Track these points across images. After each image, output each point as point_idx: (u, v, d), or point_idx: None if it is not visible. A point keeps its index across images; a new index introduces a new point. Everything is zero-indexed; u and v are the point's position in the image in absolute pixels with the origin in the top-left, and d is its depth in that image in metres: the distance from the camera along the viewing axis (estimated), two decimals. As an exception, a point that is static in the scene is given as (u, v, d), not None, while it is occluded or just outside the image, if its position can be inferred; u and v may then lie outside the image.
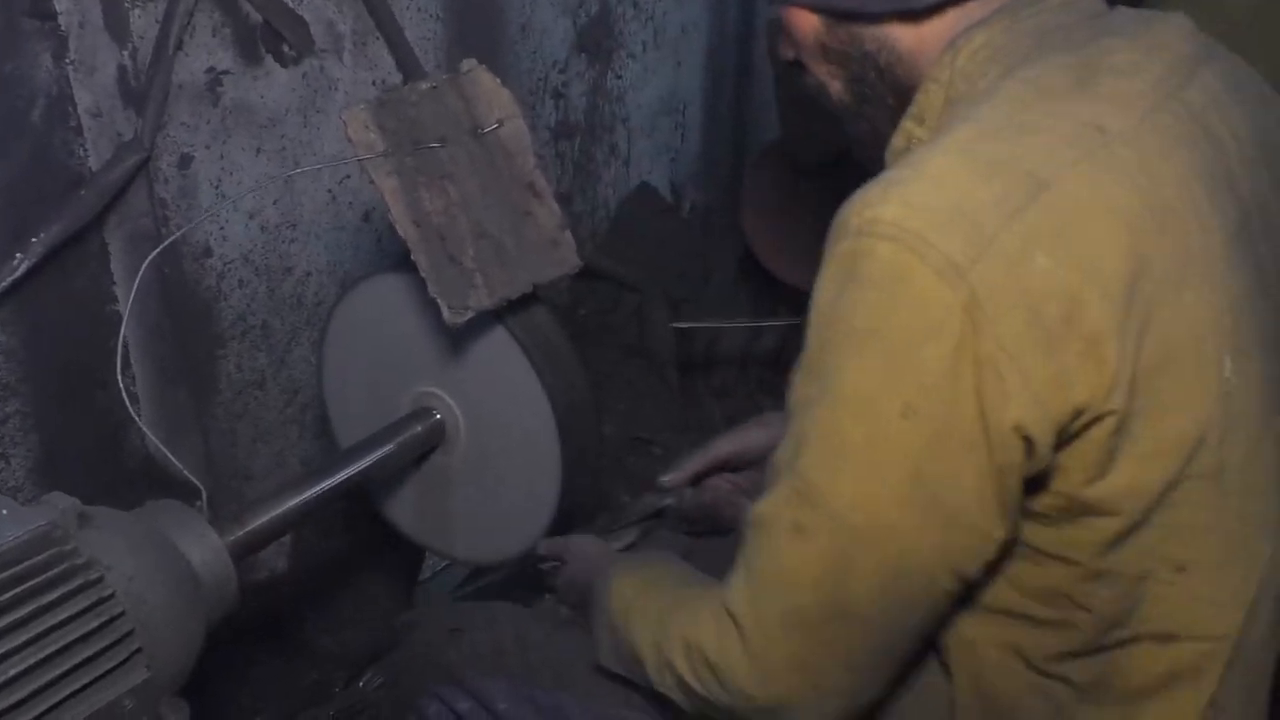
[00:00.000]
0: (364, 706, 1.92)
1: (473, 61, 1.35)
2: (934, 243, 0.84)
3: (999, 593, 0.98)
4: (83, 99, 1.67)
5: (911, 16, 1.03)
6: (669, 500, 1.53)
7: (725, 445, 1.47)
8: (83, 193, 1.67)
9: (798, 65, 1.14)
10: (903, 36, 1.04)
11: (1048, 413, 0.85)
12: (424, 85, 1.32)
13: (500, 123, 1.33)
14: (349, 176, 2.03)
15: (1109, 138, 0.90)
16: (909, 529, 0.89)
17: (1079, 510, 0.92)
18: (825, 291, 0.89)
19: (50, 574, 1.06)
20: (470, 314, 1.31)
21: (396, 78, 2.05)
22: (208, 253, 1.87)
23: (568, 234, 1.39)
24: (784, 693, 0.97)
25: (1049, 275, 0.84)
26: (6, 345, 1.67)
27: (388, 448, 1.48)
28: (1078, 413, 0.86)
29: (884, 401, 0.86)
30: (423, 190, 1.29)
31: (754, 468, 1.45)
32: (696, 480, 1.50)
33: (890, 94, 1.07)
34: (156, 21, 1.69)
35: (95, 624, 1.07)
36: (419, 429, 1.52)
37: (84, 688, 1.05)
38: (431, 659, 1.34)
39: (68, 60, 1.64)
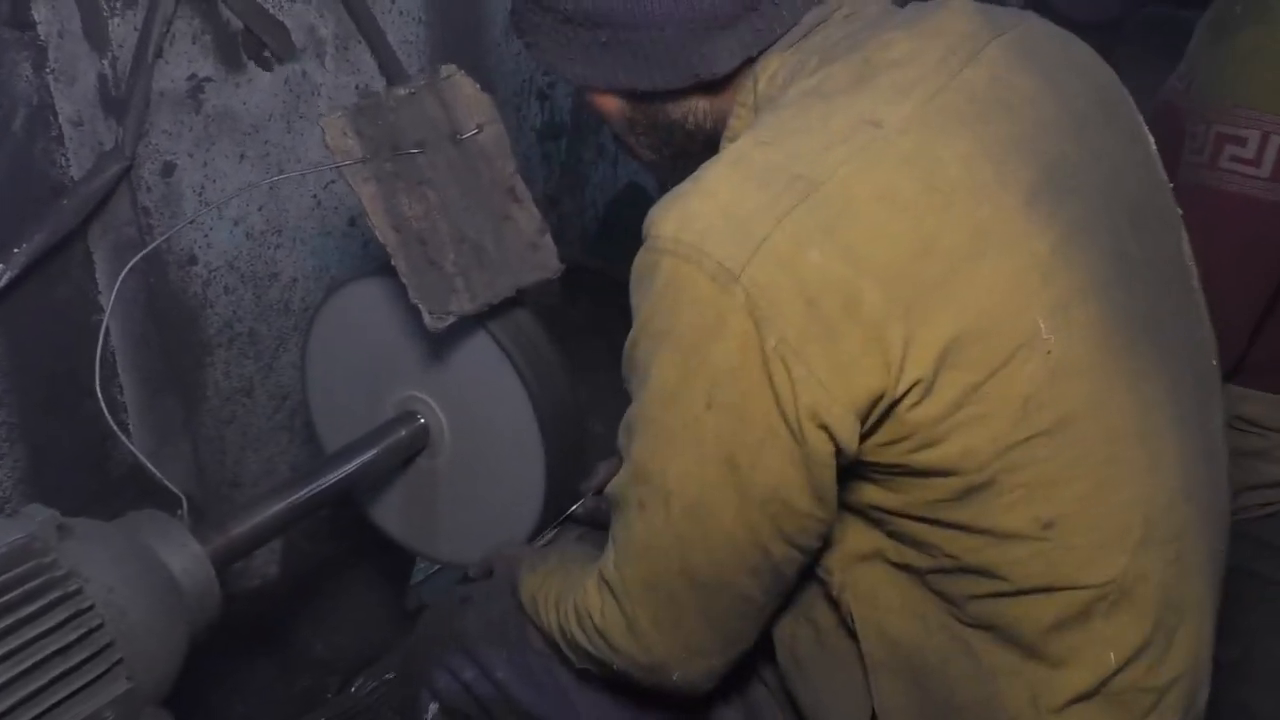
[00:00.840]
0: (357, 712, 1.92)
1: (452, 67, 1.35)
2: (707, 251, 0.89)
3: (878, 544, 1.03)
4: (63, 108, 1.66)
5: (711, 87, 1.08)
6: (576, 506, 1.55)
7: None
8: (65, 202, 1.67)
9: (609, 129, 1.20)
10: (704, 101, 1.10)
11: (838, 400, 0.89)
12: (402, 91, 1.32)
13: (480, 128, 1.33)
14: (334, 181, 2.02)
15: (885, 129, 0.93)
16: (729, 507, 0.95)
17: (914, 473, 0.95)
18: (632, 294, 0.97)
19: (29, 586, 1.06)
20: (452, 319, 1.31)
21: (380, 81, 2.04)
22: (192, 260, 1.86)
23: (548, 238, 1.39)
24: (660, 653, 1.04)
25: (822, 269, 0.89)
26: (-8, 356, 1.67)
27: (372, 453, 1.48)
28: (875, 396, 0.90)
29: (687, 395, 0.93)
30: (402, 196, 1.29)
31: None
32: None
33: (699, 146, 1.12)
34: (135, 29, 1.69)
35: (75, 636, 1.07)
36: (403, 433, 1.52)
37: (64, 700, 1.05)
38: (443, 628, 1.37)
39: (48, 70, 1.63)
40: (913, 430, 0.92)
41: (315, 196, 2.02)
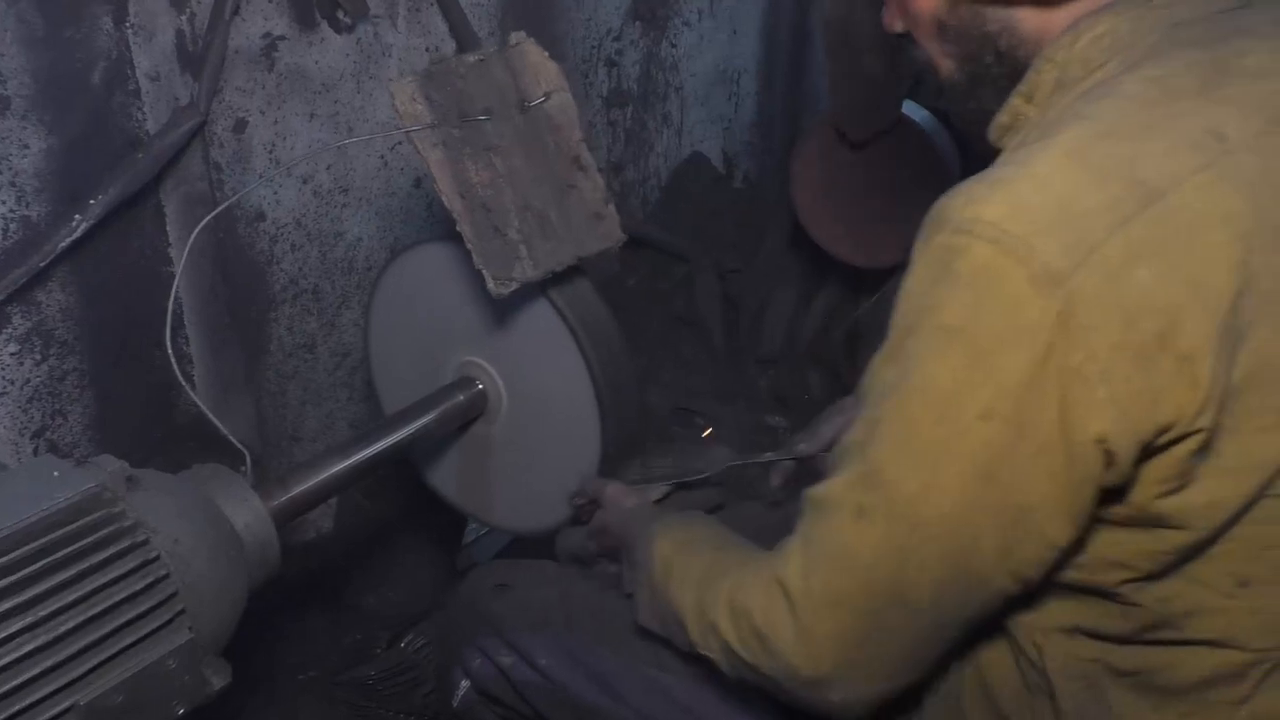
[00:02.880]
0: (406, 667, 1.95)
1: (521, 34, 1.34)
2: (1034, 247, 0.82)
3: (1074, 604, 0.98)
4: (141, 63, 1.69)
5: (1043, 1, 0.99)
6: (711, 470, 1.50)
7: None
8: (140, 156, 1.69)
9: (906, 37, 1.09)
10: (1029, 19, 0.99)
11: (1132, 427, 0.84)
12: (471, 58, 1.32)
13: (547, 96, 1.32)
14: (401, 143, 2.03)
15: (1230, 145, 0.86)
16: (973, 529, 0.89)
17: (1148, 521, 0.90)
18: (917, 281, 0.89)
19: (98, 535, 1.09)
20: (515, 285, 1.31)
21: (450, 44, 2.05)
22: (261, 217, 1.89)
23: (611, 208, 1.38)
24: (828, 670, 0.97)
25: (1149, 290, 0.82)
26: (65, 304, 1.70)
27: (430, 416, 1.49)
28: (1163, 429, 0.84)
29: (963, 401, 0.86)
30: (468, 162, 1.29)
31: None
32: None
33: (1006, 76, 1.02)
34: (213, -15, 1.70)
35: (141, 585, 1.09)
36: (461, 398, 1.53)
37: (129, 647, 1.08)
38: (478, 612, 1.35)
39: (127, 24, 1.65)
40: (1169, 472, 0.87)
41: (382, 157, 2.03)
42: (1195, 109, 0.87)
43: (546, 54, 1.34)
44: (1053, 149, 0.86)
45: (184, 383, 1.36)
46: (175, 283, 1.49)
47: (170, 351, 1.33)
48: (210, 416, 1.25)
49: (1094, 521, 0.91)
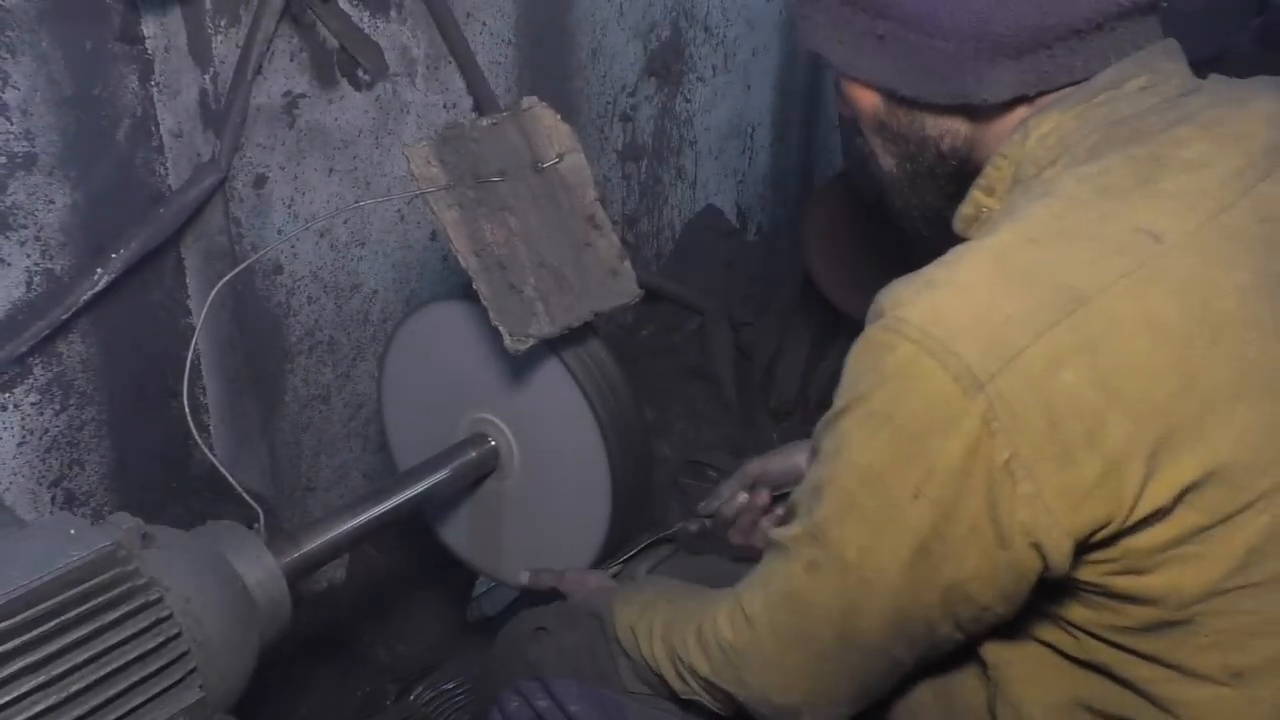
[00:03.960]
0: (413, 719, 1.94)
1: (533, 99, 1.36)
2: (955, 351, 0.84)
3: (1048, 632, 0.99)
4: (165, 120, 1.71)
5: (976, 114, 1.01)
6: (685, 524, 1.56)
7: (754, 468, 1.50)
8: (162, 210, 1.71)
9: (854, 125, 1.12)
10: (965, 127, 1.03)
11: (1059, 523, 0.85)
12: (485, 121, 1.34)
13: (560, 157, 1.34)
14: (417, 197, 2.05)
15: (1164, 245, 0.87)
16: (911, 591, 0.92)
17: (1112, 595, 0.91)
18: (854, 364, 0.92)
19: (112, 594, 1.08)
20: (532, 341, 1.32)
21: (467, 101, 2.07)
22: (278, 269, 1.91)
23: (627, 264, 1.39)
24: (796, 699, 1.04)
25: (1074, 394, 0.84)
26: (85, 355, 1.72)
27: (443, 473, 1.50)
28: (1098, 526, 0.86)
29: (894, 480, 0.89)
30: (484, 222, 1.31)
31: (778, 490, 1.49)
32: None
33: (947, 174, 1.06)
34: (237, 47, 1.73)
35: (153, 644, 1.09)
36: (474, 455, 1.54)
37: (139, 706, 1.07)
38: (517, 654, 1.37)
39: (153, 82, 1.68)
40: (1124, 555, 0.88)
41: (399, 211, 2.05)
42: (1127, 208, 0.89)
43: (559, 116, 1.36)
44: (980, 254, 0.89)
45: (197, 436, 1.36)
46: (195, 335, 1.51)
47: (185, 403, 1.35)
48: (224, 473, 1.25)
49: (1060, 594, 0.94)
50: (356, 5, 1.85)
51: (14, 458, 1.69)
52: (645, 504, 1.50)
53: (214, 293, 1.44)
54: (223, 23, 1.71)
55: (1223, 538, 0.87)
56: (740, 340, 2.57)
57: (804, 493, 0.98)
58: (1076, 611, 0.94)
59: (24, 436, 1.69)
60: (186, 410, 1.35)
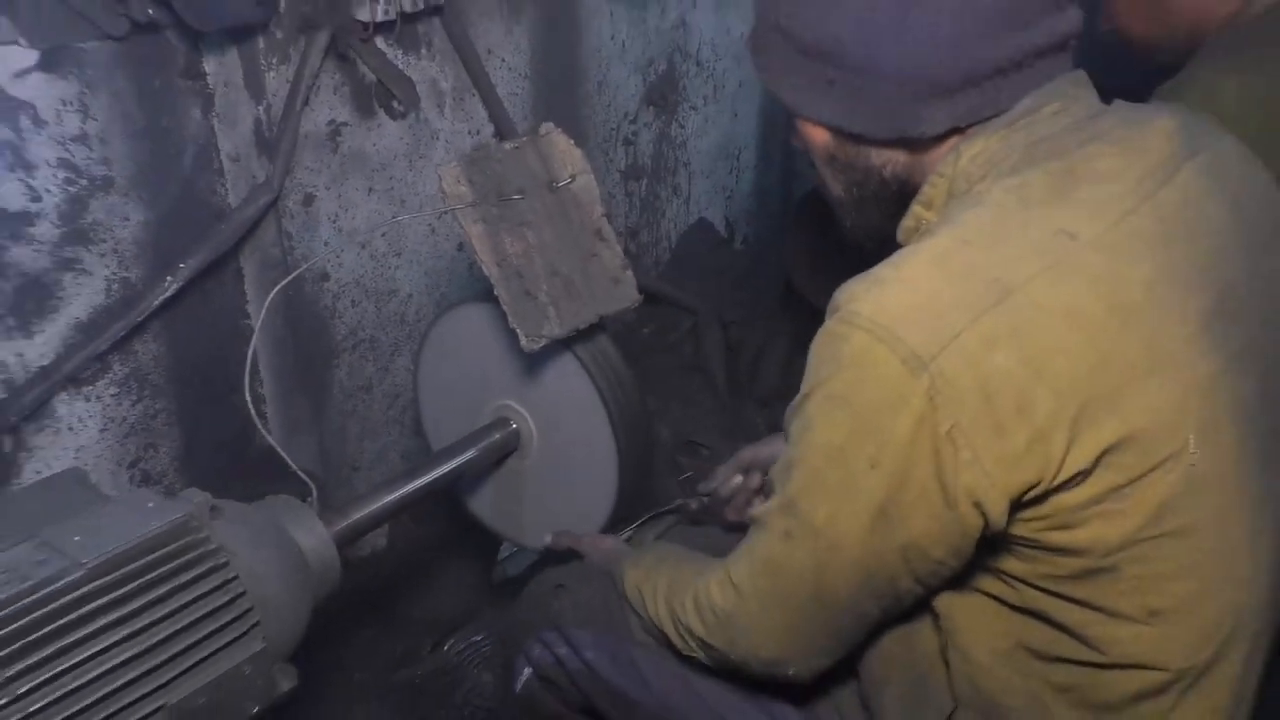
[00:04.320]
0: (449, 669, 1.96)
1: (550, 125, 1.37)
2: (901, 337, 0.86)
3: (989, 584, 1.00)
4: (225, 147, 1.73)
5: (914, 145, 1.03)
6: (686, 500, 1.57)
7: (747, 454, 1.51)
8: (223, 226, 1.73)
9: (806, 155, 1.14)
10: (904, 156, 1.04)
11: (995, 484, 0.88)
12: (508, 145, 1.35)
13: (573, 178, 1.35)
14: (446, 213, 2.07)
15: (1079, 244, 0.90)
16: (873, 550, 0.94)
17: (1045, 548, 0.93)
18: (816, 354, 0.94)
19: (186, 558, 1.11)
20: (544, 341, 1.33)
21: (489, 128, 2.09)
22: (325, 277, 1.92)
23: (629, 273, 1.41)
24: (779, 652, 1.06)
25: (1005, 372, 0.86)
26: (156, 353, 1.74)
27: (471, 452, 1.51)
28: (1029, 486, 0.88)
29: (853, 454, 0.91)
30: (505, 235, 1.32)
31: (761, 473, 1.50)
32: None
33: (890, 197, 1.07)
34: (287, 81, 1.74)
35: (222, 601, 1.11)
36: (498, 436, 1.55)
37: (211, 655, 1.09)
38: (540, 608, 1.39)
39: (214, 114, 1.70)
40: (1054, 513, 0.91)
41: (430, 226, 2.07)
42: (1047, 214, 0.91)
43: (572, 142, 1.38)
44: (921, 254, 0.91)
45: (258, 423, 1.38)
46: (254, 335, 1.52)
47: (248, 395, 1.36)
48: (281, 453, 1.27)
49: (997, 549, 0.96)
50: (392, 44, 1.87)
51: (97, 442, 1.71)
52: (648, 479, 1.52)
53: (270, 297, 1.45)
54: (274, 60, 1.73)
55: (1137, 495, 0.90)
56: (729, 338, 2.58)
57: (778, 471, 1.00)
58: (1014, 565, 0.96)
59: (105, 424, 1.71)
60: (249, 401, 1.37)
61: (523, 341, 1.32)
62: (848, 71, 0.98)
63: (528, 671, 1.40)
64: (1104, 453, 0.88)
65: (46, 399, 1.63)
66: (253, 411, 1.36)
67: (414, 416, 2.15)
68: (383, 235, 1.98)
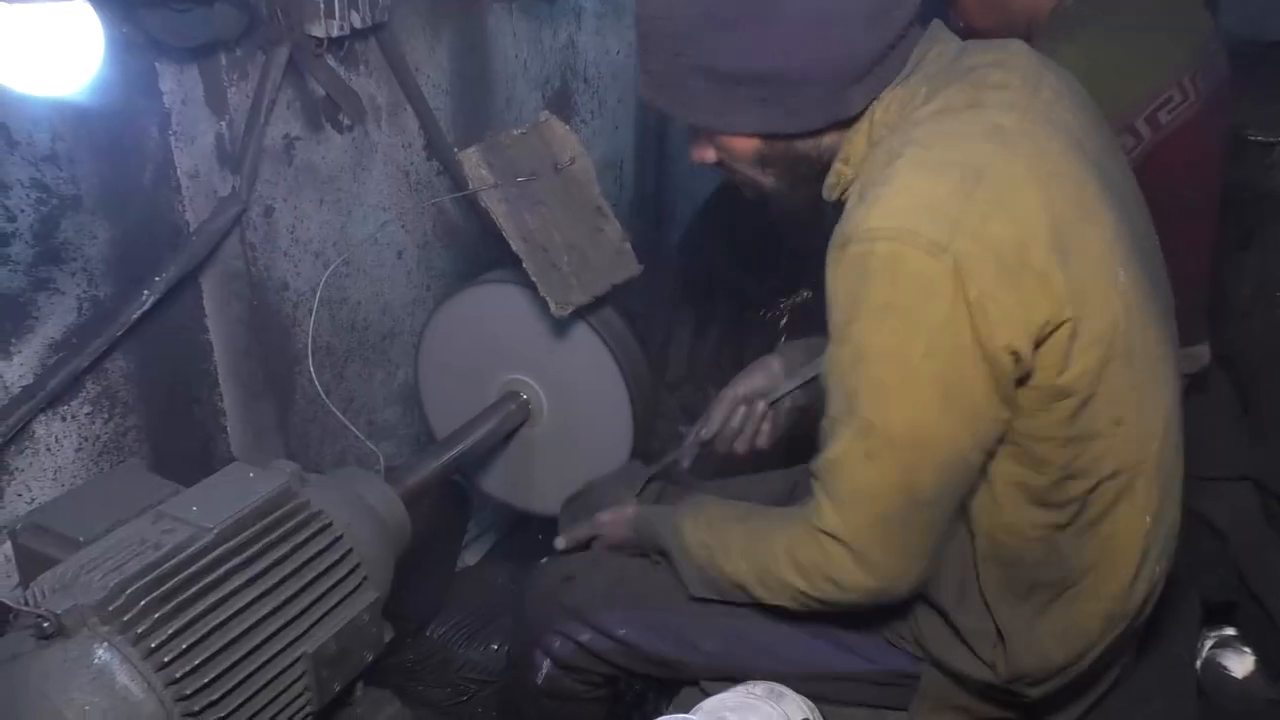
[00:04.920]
0: (434, 651, 1.99)
1: (546, 112, 1.47)
2: (918, 231, 0.98)
3: (1004, 468, 1.14)
4: (182, 164, 1.72)
5: (845, 123, 1.13)
6: (675, 457, 1.58)
7: (740, 390, 1.53)
8: (194, 238, 1.72)
9: (719, 164, 1.22)
10: (834, 135, 1.14)
11: (1022, 328, 1.01)
12: (515, 131, 1.45)
13: (573, 160, 1.46)
14: (387, 223, 2.11)
15: (1008, 133, 1.05)
16: (949, 431, 1.06)
17: (1051, 396, 1.07)
18: (842, 285, 1.04)
19: (296, 520, 1.15)
20: (572, 308, 1.43)
21: (420, 140, 2.15)
22: (285, 286, 1.93)
23: (628, 245, 1.52)
24: (892, 576, 1.13)
25: (1003, 234, 1.00)
26: (126, 369, 1.71)
27: (492, 422, 1.58)
28: (1045, 324, 1.03)
29: (907, 350, 1.01)
30: (524, 213, 1.41)
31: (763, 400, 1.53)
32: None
33: (822, 170, 1.17)
34: (247, 97, 1.75)
35: (335, 558, 1.16)
36: (513, 408, 1.62)
37: (335, 606, 1.14)
38: (553, 602, 1.41)
39: (170, 132, 1.69)
40: (1056, 358, 1.04)
41: (375, 236, 2.10)
42: (975, 116, 1.06)
43: (568, 127, 1.48)
44: (902, 169, 1.03)
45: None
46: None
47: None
48: (346, 423, 1.32)
49: (1016, 414, 1.09)
50: (337, 61, 1.91)
51: (73, 462, 1.66)
52: (654, 433, 1.61)
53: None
54: (235, 76, 1.74)
55: (1099, 324, 1.06)
56: (634, 328, 2.70)
57: (839, 411, 1.08)
58: (1030, 424, 1.09)
59: (80, 443, 1.67)
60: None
61: (554, 309, 1.40)
62: (780, 87, 1.08)
63: (547, 664, 1.43)
64: (1076, 292, 1.03)
65: (29, 420, 1.57)
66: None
67: (368, 420, 2.17)
68: (333, 245, 2.00)
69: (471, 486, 1.82)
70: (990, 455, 1.12)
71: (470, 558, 2.21)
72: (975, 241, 0.98)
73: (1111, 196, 1.12)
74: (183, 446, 1.84)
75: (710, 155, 1.20)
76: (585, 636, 1.38)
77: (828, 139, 1.14)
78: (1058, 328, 1.03)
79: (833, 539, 1.12)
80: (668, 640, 1.34)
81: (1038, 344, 1.03)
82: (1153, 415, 1.15)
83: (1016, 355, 1.02)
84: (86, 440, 1.67)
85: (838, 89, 1.09)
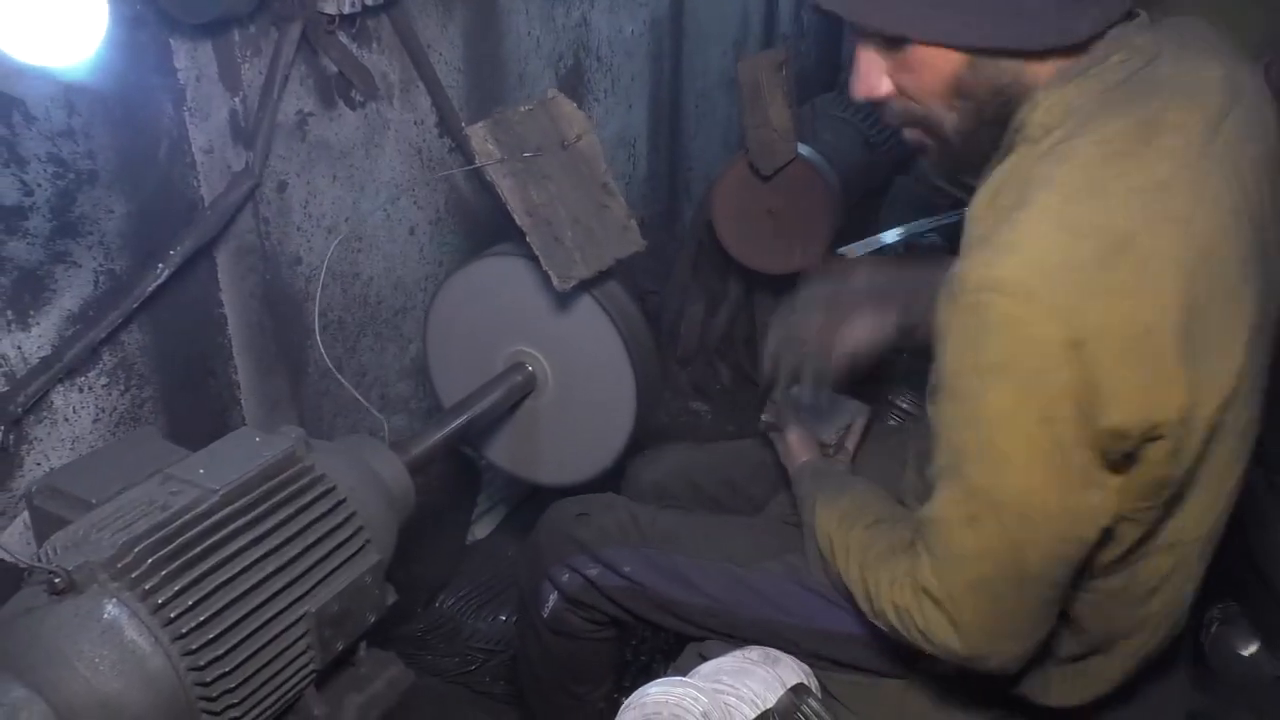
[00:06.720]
0: (443, 621, 2.02)
1: (554, 90, 1.49)
2: (1042, 295, 0.89)
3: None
4: (197, 140, 1.75)
5: (1060, 52, 0.99)
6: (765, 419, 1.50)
7: (851, 341, 1.34)
8: (208, 212, 1.75)
9: (886, 102, 1.06)
10: (1037, 70, 1.00)
11: (1136, 416, 0.93)
12: (523, 108, 1.46)
13: (579, 137, 1.48)
14: (399, 199, 2.14)
15: (1169, 193, 0.93)
16: (1066, 502, 0.96)
17: (1155, 486, 1.00)
18: (955, 335, 0.95)
19: (301, 483, 1.18)
20: (574, 282, 1.45)
21: (433, 117, 2.17)
22: (298, 261, 1.96)
23: (633, 222, 1.54)
24: (981, 646, 1.05)
25: (1133, 315, 0.90)
26: (142, 341, 1.74)
27: (498, 393, 1.60)
28: (1158, 420, 0.93)
29: (1024, 416, 0.93)
30: (531, 188, 1.43)
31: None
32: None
33: (1003, 121, 1.03)
34: (260, 73, 1.78)
35: (339, 520, 1.18)
36: (519, 379, 1.65)
37: (339, 567, 1.17)
38: (564, 535, 1.43)
39: (185, 108, 1.71)
40: (1166, 453, 0.96)
41: (385, 211, 2.13)
42: (1137, 167, 0.93)
43: (575, 105, 1.50)
44: (1031, 217, 0.92)
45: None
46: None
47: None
48: (353, 390, 1.34)
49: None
50: (350, 38, 1.93)
51: (90, 432, 1.70)
52: (659, 405, 1.63)
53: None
54: (249, 52, 1.77)
55: (1214, 410, 0.98)
56: (647, 306, 2.73)
57: (944, 467, 1.00)
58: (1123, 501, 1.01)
59: (98, 414, 1.70)
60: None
61: (556, 282, 1.43)
62: None
63: (554, 596, 1.45)
64: (1216, 393, 0.96)
65: (47, 390, 1.61)
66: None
67: (380, 394, 2.20)
68: (345, 220, 2.03)
69: (479, 458, 1.84)
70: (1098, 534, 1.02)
71: (480, 531, 2.24)
72: (1104, 316, 0.90)
73: (1261, 263, 1.01)
74: (198, 418, 1.87)
75: (884, 87, 1.04)
76: (593, 571, 1.39)
77: (1027, 72, 1.00)
78: (1175, 423, 0.95)
79: (928, 596, 1.05)
80: (672, 582, 1.35)
81: (1149, 437, 0.95)
82: (1224, 488, 1.08)
83: (1125, 438, 0.94)
84: (104, 411, 1.71)
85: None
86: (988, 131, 1.03)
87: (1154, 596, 1.10)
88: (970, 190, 1.03)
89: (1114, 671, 1.16)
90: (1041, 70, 1.00)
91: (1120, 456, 0.95)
